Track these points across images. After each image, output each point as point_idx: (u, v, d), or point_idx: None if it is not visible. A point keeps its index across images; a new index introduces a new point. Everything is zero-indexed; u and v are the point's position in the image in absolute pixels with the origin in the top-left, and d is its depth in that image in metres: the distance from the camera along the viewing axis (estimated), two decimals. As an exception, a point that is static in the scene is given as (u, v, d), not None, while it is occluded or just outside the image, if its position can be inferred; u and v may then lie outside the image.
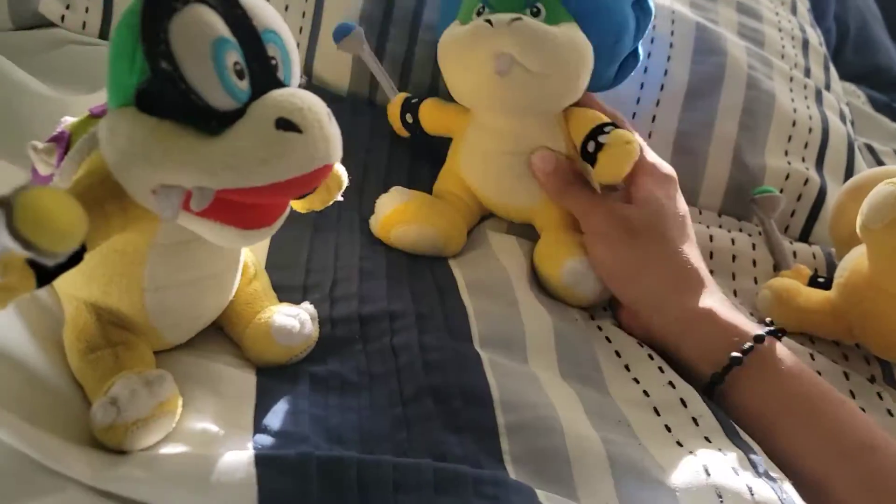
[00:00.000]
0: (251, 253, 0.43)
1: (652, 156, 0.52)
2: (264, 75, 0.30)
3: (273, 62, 0.31)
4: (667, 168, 0.51)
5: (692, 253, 0.49)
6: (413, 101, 0.57)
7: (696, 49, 0.67)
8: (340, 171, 0.38)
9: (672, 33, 0.68)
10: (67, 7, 0.59)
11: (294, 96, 0.29)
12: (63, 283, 0.30)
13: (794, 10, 0.82)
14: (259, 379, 0.38)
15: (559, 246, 0.50)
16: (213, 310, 0.39)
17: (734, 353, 0.43)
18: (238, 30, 0.29)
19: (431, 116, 0.56)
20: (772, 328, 0.44)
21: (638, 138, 0.50)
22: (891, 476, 0.38)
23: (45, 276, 0.27)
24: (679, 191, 0.51)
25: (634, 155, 0.48)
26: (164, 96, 0.28)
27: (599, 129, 0.49)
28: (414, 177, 0.57)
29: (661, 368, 0.45)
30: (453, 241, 0.51)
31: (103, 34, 0.61)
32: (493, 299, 0.46)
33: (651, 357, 0.46)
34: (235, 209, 0.31)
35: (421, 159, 0.59)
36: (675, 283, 0.47)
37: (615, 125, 0.49)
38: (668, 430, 0.40)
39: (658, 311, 0.47)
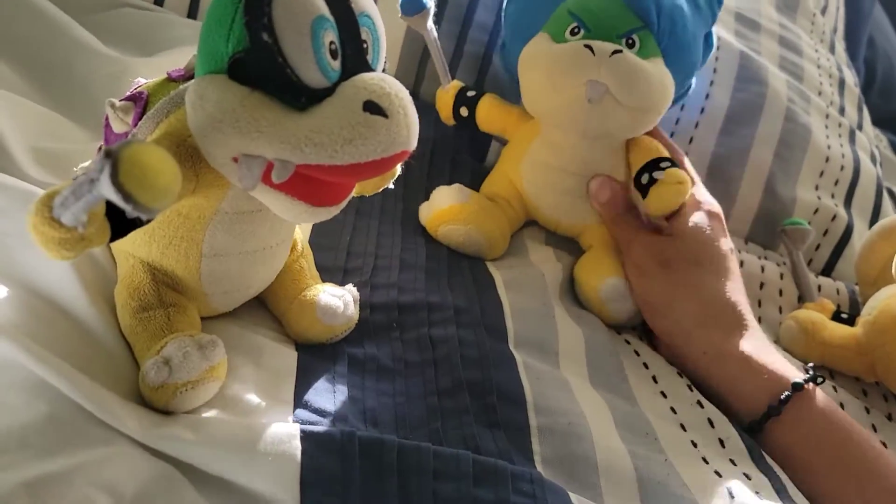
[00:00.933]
0: (298, 229, 0.43)
1: (702, 193, 0.53)
2: (356, 57, 0.30)
3: (364, 45, 0.31)
4: (715, 206, 0.52)
5: (732, 289, 0.49)
6: (470, 94, 0.57)
7: (738, 77, 0.68)
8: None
9: (717, 59, 0.68)
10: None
11: (383, 81, 0.30)
12: (122, 240, 0.30)
13: (832, 49, 0.83)
14: (300, 355, 0.38)
15: (605, 262, 0.51)
16: (263, 282, 0.39)
17: (772, 404, 0.43)
18: (336, 10, 0.30)
19: (491, 115, 0.56)
20: (810, 374, 0.45)
21: (693, 175, 0.51)
22: None
23: (118, 231, 0.27)
24: (725, 228, 0.52)
25: (684, 195, 0.49)
26: (260, 67, 0.28)
27: (655, 164, 0.50)
28: (456, 171, 0.57)
29: (689, 387, 0.45)
30: (498, 247, 0.51)
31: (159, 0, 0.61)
32: (528, 298, 0.47)
33: (680, 375, 0.46)
34: (310, 185, 0.31)
35: (464, 154, 0.59)
36: (704, 317, 0.47)
37: (672, 162, 0.50)
38: (695, 445, 0.41)
39: (686, 344, 0.48)
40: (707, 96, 0.67)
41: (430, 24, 0.58)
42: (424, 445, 0.33)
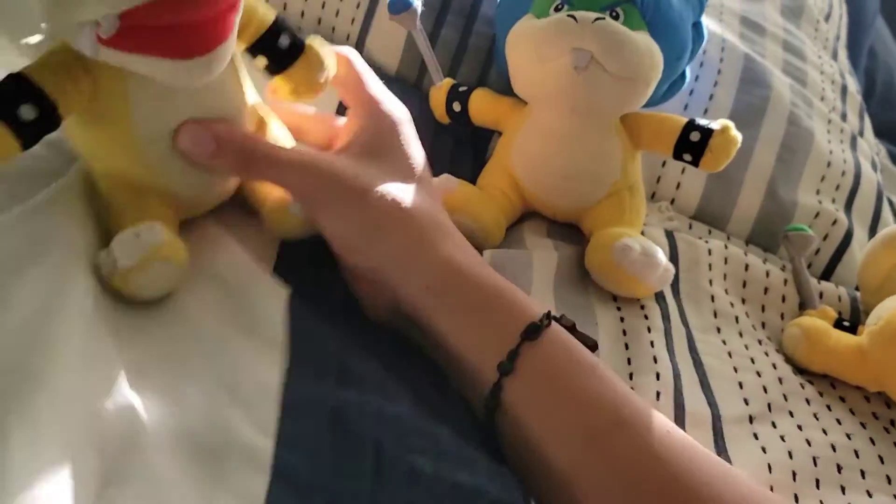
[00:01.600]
0: (278, 132, 0.42)
1: (377, 89, 0.43)
2: None
3: None
4: (396, 112, 0.43)
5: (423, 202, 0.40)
6: (461, 89, 0.57)
7: (742, 79, 0.68)
8: (325, 52, 0.39)
9: (721, 60, 0.68)
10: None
11: None
12: (88, 161, 0.36)
13: (835, 56, 0.83)
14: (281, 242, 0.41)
15: (611, 234, 0.50)
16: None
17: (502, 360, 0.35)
18: None
19: (483, 107, 0.56)
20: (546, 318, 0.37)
21: None
22: (635, 458, 0.32)
23: (28, 139, 0.31)
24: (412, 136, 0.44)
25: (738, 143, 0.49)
26: None
27: (694, 123, 0.50)
28: (455, 166, 0.57)
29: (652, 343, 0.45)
30: (492, 237, 0.51)
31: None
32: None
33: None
34: (156, 38, 0.31)
35: (463, 149, 0.59)
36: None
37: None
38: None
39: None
40: (711, 97, 0.66)
41: (419, 22, 0.58)
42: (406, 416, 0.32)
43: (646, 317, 0.49)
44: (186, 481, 0.27)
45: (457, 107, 0.57)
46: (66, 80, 0.32)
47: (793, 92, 0.70)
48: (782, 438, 0.45)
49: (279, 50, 0.38)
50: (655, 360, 0.46)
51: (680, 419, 0.43)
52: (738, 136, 0.50)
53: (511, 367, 0.35)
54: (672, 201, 0.64)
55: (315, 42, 0.39)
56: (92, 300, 0.32)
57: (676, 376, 0.46)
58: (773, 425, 0.46)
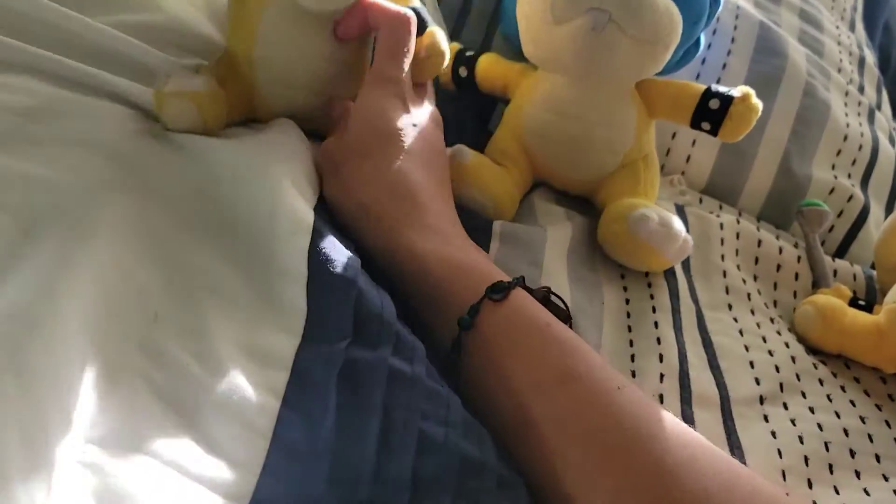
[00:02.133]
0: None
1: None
2: None
3: None
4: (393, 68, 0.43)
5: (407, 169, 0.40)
6: (468, 53, 0.55)
7: (756, 48, 0.65)
8: (440, 42, 0.45)
9: (735, 28, 0.65)
10: None
11: None
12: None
13: (852, 28, 0.81)
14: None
15: (627, 205, 0.48)
16: (308, 92, 0.44)
17: (462, 316, 0.35)
18: None
19: (491, 73, 0.54)
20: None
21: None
22: (585, 410, 0.32)
23: None
24: (404, 97, 0.43)
25: (758, 111, 0.47)
26: None
27: (713, 91, 0.48)
28: (461, 134, 0.55)
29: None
30: (505, 211, 0.49)
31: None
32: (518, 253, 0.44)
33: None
34: None
35: (467, 116, 0.56)
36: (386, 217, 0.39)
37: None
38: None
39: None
40: (724, 66, 0.64)
41: None
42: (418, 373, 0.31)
43: (651, 296, 0.47)
44: (183, 439, 0.26)
45: (463, 72, 0.55)
46: None
47: (809, 62, 0.67)
48: (793, 422, 0.43)
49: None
50: (659, 342, 0.44)
51: (686, 401, 0.41)
52: (759, 103, 0.47)
53: (471, 322, 0.35)
54: (682, 174, 0.62)
55: (435, 29, 0.46)
56: None
57: (682, 357, 0.44)
58: (785, 406, 0.44)
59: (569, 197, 0.53)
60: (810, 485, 0.40)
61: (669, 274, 0.49)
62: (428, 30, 0.45)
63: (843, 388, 0.47)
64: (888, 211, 0.65)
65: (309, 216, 0.35)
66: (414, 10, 0.45)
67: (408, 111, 0.43)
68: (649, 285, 0.48)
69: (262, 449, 0.26)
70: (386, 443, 0.28)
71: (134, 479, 0.24)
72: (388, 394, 0.29)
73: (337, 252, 0.34)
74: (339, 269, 0.33)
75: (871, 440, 0.43)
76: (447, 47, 0.46)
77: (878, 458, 0.43)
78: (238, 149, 0.38)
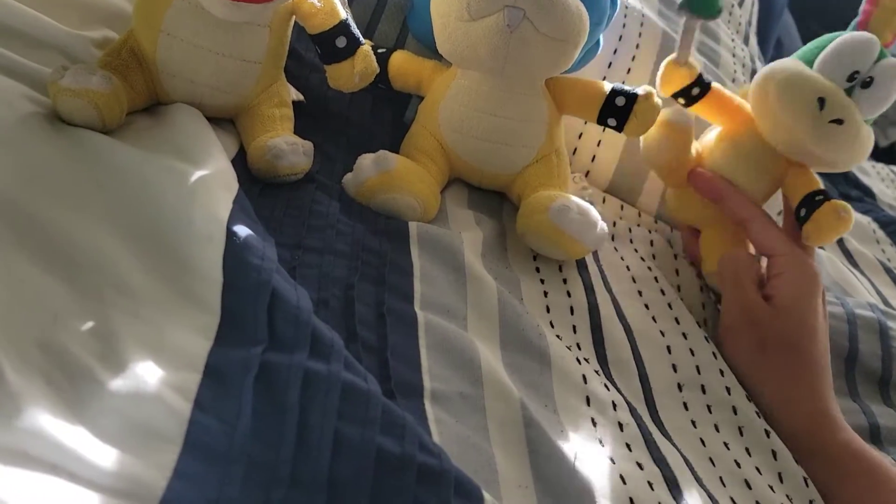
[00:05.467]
0: (287, 91, 0.49)
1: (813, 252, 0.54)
2: None
3: None
4: (815, 266, 0.53)
5: (821, 374, 0.50)
6: (380, 51, 0.55)
7: (659, 55, 0.68)
8: (371, 59, 0.47)
9: (640, 35, 0.68)
10: None
11: None
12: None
13: (746, 41, 0.86)
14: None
15: (546, 196, 0.49)
16: (207, 86, 0.44)
17: None
18: None
19: (404, 70, 0.54)
20: None
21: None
22: None
23: None
24: (822, 289, 0.52)
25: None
26: None
27: (619, 89, 0.51)
28: (376, 125, 0.55)
29: (597, 371, 0.44)
30: (432, 209, 0.49)
31: None
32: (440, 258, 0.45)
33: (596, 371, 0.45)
34: None
35: (382, 107, 0.57)
36: (791, 406, 0.49)
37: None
38: (594, 424, 0.40)
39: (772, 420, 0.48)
40: (629, 71, 0.67)
41: None
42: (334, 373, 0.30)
43: (568, 293, 0.49)
44: (81, 442, 0.25)
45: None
46: None
47: (706, 71, 0.71)
48: (709, 409, 0.46)
49: (335, 48, 0.46)
50: (580, 347, 0.46)
51: (609, 399, 0.43)
52: (660, 102, 0.51)
53: None
54: (587, 173, 0.65)
55: (366, 48, 0.47)
56: None
57: (602, 357, 0.46)
58: (703, 390, 0.47)
59: (478, 199, 0.54)
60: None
61: (581, 266, 0.51)
62: (361, 49, 0.46)
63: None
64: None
65: (223, 220, 0.34)
66: (344, 23, 0.45)
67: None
68: (564, 280, 0.50)
69: (171, 452, 0.26)
70: (301, 445, 0.27)
71: (10, 486, 0.22)
72: (303, 396, 0.29)
73: (252, 253, 0.33)
74: (253, 274, 0.32)
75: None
76: (375, 62, 0.47)
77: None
78: (146, 152, 0.37)
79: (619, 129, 0.51)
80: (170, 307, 0.32)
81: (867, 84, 0.51)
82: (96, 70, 0.40)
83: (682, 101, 0.57)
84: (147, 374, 0.28)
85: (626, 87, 0.51)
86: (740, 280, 0.52)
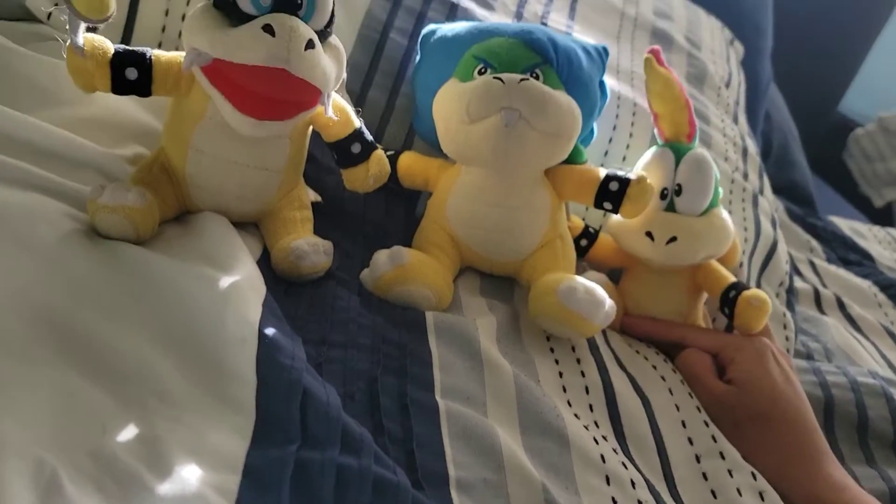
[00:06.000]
0: (307, 193, 0.53)
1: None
2: (286, 3, 0.43)
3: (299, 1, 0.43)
4: (758, 339, 0.57)
5: (805, 432, 0.52)
6: (389, 153, 0.59)
7: (653, 140, 0.72)
8: (384, 162, 0.51)
9: (632, 124, 0.72)
10: (56, 5, 0.58)
11: (290, 18, 0.42)
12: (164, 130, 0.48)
13: (735, 120, 0.90)
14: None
15: (553, 279, 0.51)
16: (235, 197, 0.48)
17: None
18: None
19: (412, 169, 0.58)
20: None
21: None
22: None
23: (120, 87, 0.43)
24: (774, 352, 0.56)
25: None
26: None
27: (612, 175, 0.54)
28: (389, 217, 0.59)
29: (615, 450, 0.46)
30: (446, 299, 0.52)
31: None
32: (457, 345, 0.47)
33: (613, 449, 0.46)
34: (232, 87, 0.42)
35: (395, 200, 0.60)
36: (785, 470, 0.50)
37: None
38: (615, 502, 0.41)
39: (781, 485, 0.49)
40: (624, 158, 0.70)
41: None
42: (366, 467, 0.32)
43: (583, 373, 0.51)
44: None
45: None
46: (172, 74, 0.44)
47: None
48: (730, 473, 0.47)
49: (350, 153, 0.50)
50: (598, 425, 0.47)
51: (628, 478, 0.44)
52: (652, 185, 0.54)
53: None
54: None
55: (379, 153, 0.51)
56: None
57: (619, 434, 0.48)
58: (722, 456, 0.48)
59: (489, 286, 0.57)
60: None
61: (593, 347, 0.54)
62: (374, 154, 0.51)
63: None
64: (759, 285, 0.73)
65: (255, 323, 0.37)
66: (359, 131, 0.49)
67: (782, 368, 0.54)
68: (578, 361, 0.52)
69: None
70: None
71: None
72: (337, 491, 0.30)
73: (283, 354, 0.36)
74: (284, 374, 0.35)
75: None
76: (388, 165, 0.52)
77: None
78: (178, 261, 0.40)
79: (615, 211, 0.54)
80: (208, 410, 0.33)
81: (679, 191, 0.56)
82: (131, 187, 0.43)
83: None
84: (190, 476, 0.30)
85: (620, 173, 0.54)
86: (698, 375, 0.56)
